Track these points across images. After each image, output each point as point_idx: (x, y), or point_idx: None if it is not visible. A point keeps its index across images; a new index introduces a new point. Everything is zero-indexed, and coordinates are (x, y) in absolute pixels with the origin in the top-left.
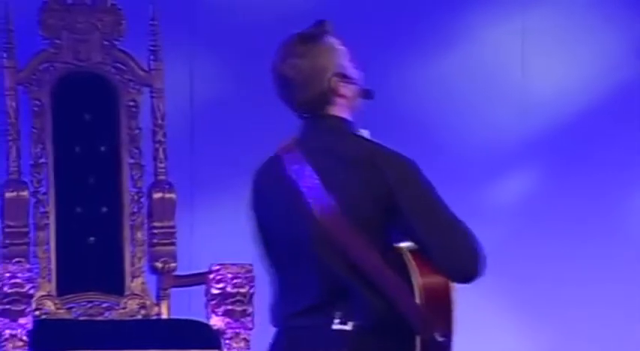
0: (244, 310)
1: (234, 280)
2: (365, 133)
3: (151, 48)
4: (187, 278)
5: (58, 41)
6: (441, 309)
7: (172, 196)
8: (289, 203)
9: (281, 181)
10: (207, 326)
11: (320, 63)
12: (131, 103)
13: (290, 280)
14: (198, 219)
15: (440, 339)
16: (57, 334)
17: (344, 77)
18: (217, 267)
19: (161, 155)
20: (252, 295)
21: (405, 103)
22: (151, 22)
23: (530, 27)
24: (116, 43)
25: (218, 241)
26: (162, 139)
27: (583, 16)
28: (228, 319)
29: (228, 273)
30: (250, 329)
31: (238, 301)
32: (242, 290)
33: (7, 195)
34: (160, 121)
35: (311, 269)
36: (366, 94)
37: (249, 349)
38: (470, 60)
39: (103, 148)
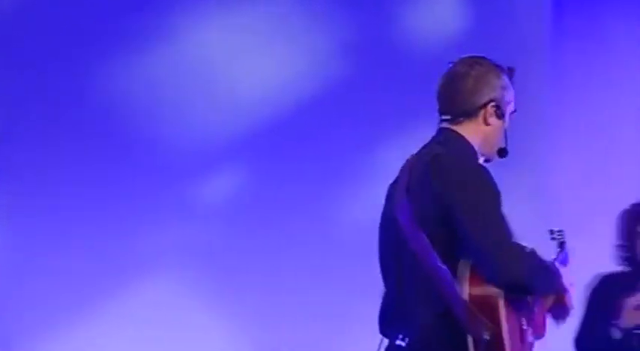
0: None
1: None
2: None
3: None
4: None
5: None
6: (487, 313)
7: None
8: (386, 211)
9: (393, 187)
10: None
11: (492, 81)
12: None
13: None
14: None
15: (487, 337)
16: None
17: (499, 110)
18: None
19: None
20: None
21: (113, 101)
22: None
23: (239, 24)
24: None
25: None
26: None
27: (292, 14)
28: None
29: None
30: None
31: None
32: None
33: None
34: None
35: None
36: (502, 151)
37: None
38: (178, 59)
39: None
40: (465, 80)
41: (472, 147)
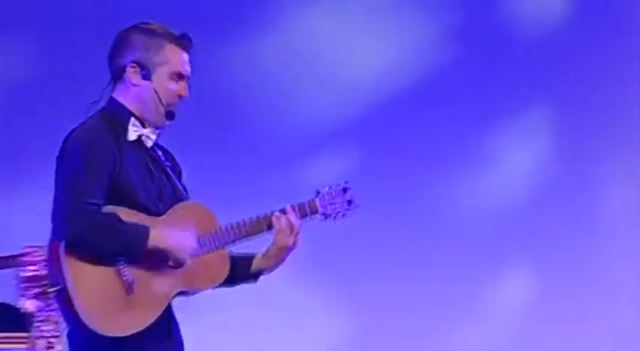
0: None
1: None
2: None
3: None
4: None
5: None
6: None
7: None
8: None
9: None
10: (15, 309)
11: (134, 43)
12: None
13: None
14: (15, 202)
15: (58, 287)
16: None
17: (144, 71)
18: (31, 249)
19: None
20: None
21: (220, 90)
22: None
23: (345, 10)
24: None
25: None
26: None
27: (395, 1)
28: (38, 302)
29: (42, 255)
30: None
31: None
32: None
33: None
34: None
35: None
36: (169, 114)
37: (59, 331)
38: (284, 44)
39: None
40: (111, 45)
41: (124, 107)
